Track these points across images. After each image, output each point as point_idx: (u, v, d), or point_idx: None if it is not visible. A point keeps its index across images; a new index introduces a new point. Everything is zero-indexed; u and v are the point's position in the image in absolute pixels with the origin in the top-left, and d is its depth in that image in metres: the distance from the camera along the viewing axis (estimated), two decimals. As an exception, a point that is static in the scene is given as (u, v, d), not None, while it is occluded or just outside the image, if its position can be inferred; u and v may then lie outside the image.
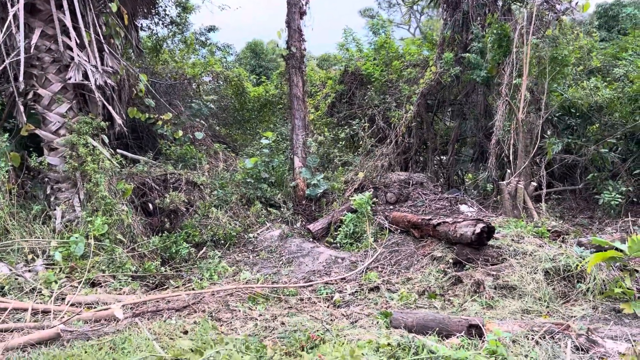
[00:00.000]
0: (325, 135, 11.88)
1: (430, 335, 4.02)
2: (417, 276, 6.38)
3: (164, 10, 14.07)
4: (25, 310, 4.93)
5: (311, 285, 6.43)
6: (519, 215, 8.70)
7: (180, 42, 15.57)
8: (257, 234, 8.93)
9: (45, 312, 5.00)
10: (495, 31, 10.53)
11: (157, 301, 5.48)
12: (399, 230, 8.17)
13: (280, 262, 7.78)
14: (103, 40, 7.82)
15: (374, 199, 9.12)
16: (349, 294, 6.01)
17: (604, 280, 5.24)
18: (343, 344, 3.73)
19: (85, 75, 7.25)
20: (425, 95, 12.23)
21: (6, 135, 7.31)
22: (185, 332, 4.28)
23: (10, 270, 5.85)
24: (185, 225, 8.46)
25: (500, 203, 9.62)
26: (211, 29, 16.77)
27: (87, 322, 4.73)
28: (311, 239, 8.79)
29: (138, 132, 11.09)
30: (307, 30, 10.60)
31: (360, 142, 11.98)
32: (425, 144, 13.80)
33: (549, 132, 10.47)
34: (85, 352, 3.79)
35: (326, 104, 13.58)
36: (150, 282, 6.63)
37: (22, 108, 7.13)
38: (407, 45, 14.12)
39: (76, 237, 6.46)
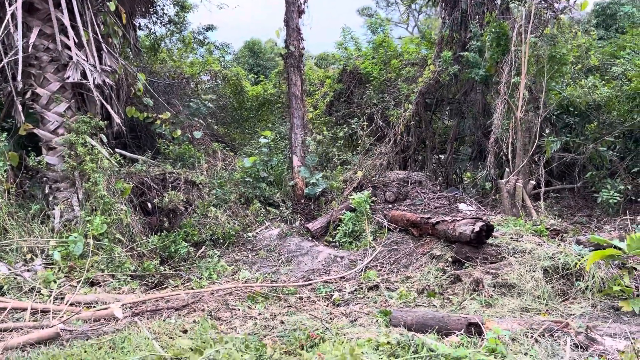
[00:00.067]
0: (323, 134, 11.86)
1: (429, 333, 4.02)
2: (416, 275, 6.39)
3: (162, 9, 14.04)
4: (25, 309, 4.92)
5: (310, 284, 6.43)
6: (517, 213, 8.72)
7: (178, 41, 15.54)
8: (256, 233, 8.93)
9: (45, 312, 4.99)
10: (493, 30, 10.53)
11: (157, 300, 5.48)
12: (397, 229, 8.17)
13: (280, 261, 7.79)
14: (101, 40, 7.80)
15: (373, 197, 9.13)
16: (348, 293, 6.01)
17: (602, 278, 5.26)
18: (343, 342, 3.73)
19: (84, 75, 7.23)
20: (424, 94, 12.22)
21: (4, 134, 7.30)
22: (185, 331, 4.28)
23: (9, 269, 5.84)
24: (184, 224, 8.46)
25: (499, 201, 9.63)
26: (209, 28, 16.73)
27: (87, 322, 4.73)
28: (310, 238, 8.79)
29: (136, 131, 11.07)
30: (306, 29, 10.58)
31: (359, 141, 11.97)
32: (423, 142, 13.81)
33: (547, 131, 10.48)
34: (85, 351, 3.79)
35: (325, 102, 13.56)
36: (150, 281, 6.63)
37: (20, 107, 7.11)
38: (406, 44, 14.12)
39: (75, 237, 6.45)
